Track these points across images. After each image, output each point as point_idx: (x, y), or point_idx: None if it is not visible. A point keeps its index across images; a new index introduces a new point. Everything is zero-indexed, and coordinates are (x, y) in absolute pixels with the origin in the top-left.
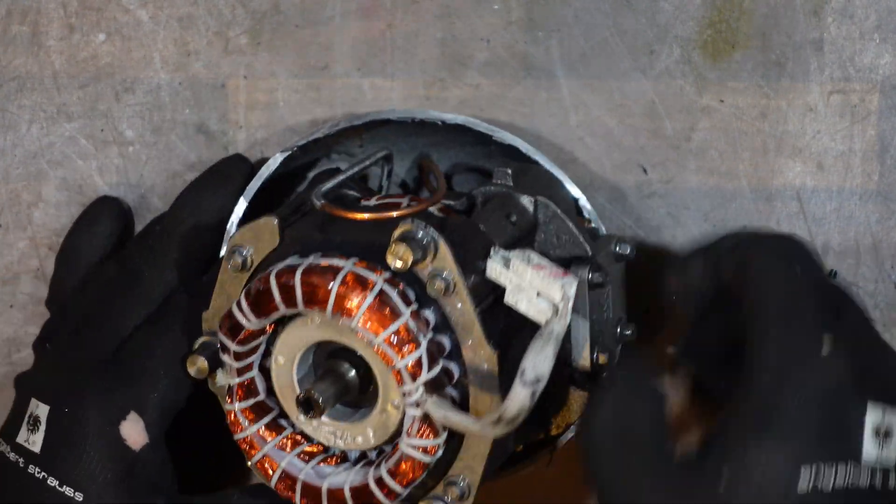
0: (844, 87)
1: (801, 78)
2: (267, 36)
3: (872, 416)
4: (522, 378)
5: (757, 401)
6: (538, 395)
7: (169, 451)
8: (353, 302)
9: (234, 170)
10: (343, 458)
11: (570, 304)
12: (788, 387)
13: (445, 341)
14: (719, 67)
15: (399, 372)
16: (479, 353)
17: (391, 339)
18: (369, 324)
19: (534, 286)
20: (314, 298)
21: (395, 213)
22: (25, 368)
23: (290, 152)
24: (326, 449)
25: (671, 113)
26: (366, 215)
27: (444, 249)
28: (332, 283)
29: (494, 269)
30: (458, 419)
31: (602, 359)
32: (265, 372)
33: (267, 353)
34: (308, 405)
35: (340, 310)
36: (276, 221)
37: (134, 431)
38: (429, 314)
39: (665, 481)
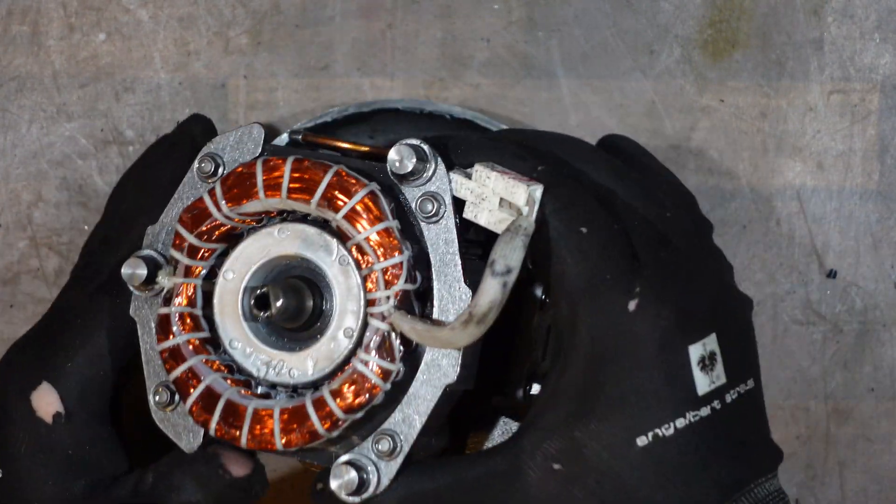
0: (844, 86)
1: (802, 77)
2: (267, 36)
3: (695, 353)
4: (493, 268)
5: (578, 383)
6: (509, 288)
7: (105, 433)
8: (344, 195)
9: (185, 136)
10: (268, 396)
11: (536, 209)
12: (605, 363)
13: (419, 275)
14: (719, 67)
15: (375, 275)
16: (454, 292)
17: (375, 239)
18: (356, 219)
19: (497, 192)
20: (302, 187)
21: (382, 148)
22: None
23: (298, 136)
24: (250, 384)
25: (671, 113)
26: (348, 145)
27: (442, 169)
28: (325, 173)
29: (456, 179)
30: (424, 327)
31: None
32: (204, 296)
33: (210, 276)
34: (263, 301)
35: (328, 201)
36: (262, 128)
37: (45, 402)
38: (409, 246)
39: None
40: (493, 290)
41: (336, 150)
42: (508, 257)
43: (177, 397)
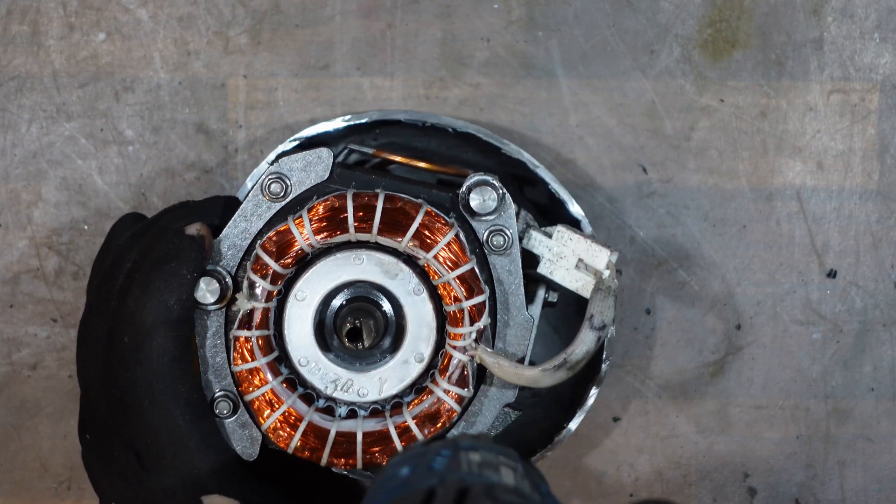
0: (844, 86)
1: (801, 77)
2: (267, 35)
3: None
4: (591, 322)
5: None
6: (602, 342)
7: None
8: (432, 235)
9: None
10: (328, 410)
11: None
12: None
13: (497, 311)
14: (719, 66)
15: (461, 312)
16: (517, 318)
17: (464, 278)
18: (444, 259)
19: (577, 253)
20: (394, 223)
21: (456, 169)
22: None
23: (299, 141)
24: (313, 398)
25: (671, 112)
26: (425, 164)
27: (511, 206)
28: (417, 212)
29: (536, 236)
30: (510, 364)
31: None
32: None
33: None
34: (356, 334)
35: (420, 239)
36: (331, 152)
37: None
38: (486, 286)
39: None
40: (589, 341)
41: (405, 167)
42: (605, 314)
43: (239, 407)
